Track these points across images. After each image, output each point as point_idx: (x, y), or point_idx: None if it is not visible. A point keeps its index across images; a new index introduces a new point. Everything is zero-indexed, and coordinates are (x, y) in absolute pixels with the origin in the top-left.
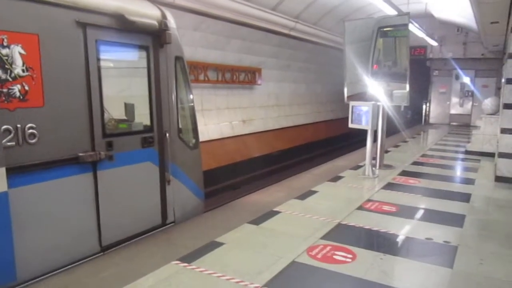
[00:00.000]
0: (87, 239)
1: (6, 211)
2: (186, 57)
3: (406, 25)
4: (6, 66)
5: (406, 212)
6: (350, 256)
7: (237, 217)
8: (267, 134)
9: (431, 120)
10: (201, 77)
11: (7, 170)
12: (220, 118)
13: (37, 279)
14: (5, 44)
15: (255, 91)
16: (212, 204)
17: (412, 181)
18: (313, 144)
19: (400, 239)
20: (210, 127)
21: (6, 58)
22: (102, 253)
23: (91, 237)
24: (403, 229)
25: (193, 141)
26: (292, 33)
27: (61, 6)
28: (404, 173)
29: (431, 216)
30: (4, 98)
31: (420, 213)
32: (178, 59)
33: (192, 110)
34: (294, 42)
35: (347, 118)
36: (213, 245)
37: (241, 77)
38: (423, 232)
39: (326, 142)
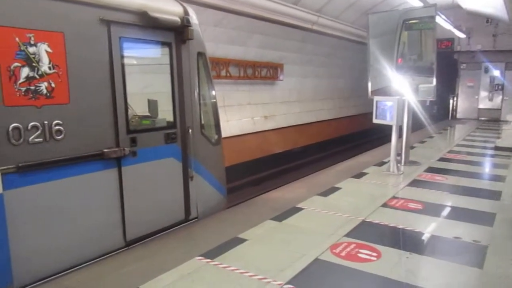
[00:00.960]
0: (113, 234)
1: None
2: (208, 53)
3: (432, 17)
4: (33, 64)
5: (433, 210)
6: (374, 254)
7: (260, 213)
8: (289, 130)
9: (458, 115)
10: (223, 73)
11: (34, 166)
12: (241, 114)
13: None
14: (32, 42)
15: (277, 86)
16: (233, 200)
17: (438, 178)
18: (336, 140)
19: (426, 237)
20: (231, 123)
21: (33, 56)
22: (126, 248)
23: (116, 232)
24: (429, 227)
25: (216, 137)
26: (314, 27)
27: (86, 4)
28: (430, 170)
29: (459, 214)
30: (31, 95)
31: (447, 211)
32: (200, 55)
33: (215, 106)
34: (316, 37)
35: (371, 113)
36: (236, 241)
37: (262, 72)
38: (451, 230)
39: (349, 138)
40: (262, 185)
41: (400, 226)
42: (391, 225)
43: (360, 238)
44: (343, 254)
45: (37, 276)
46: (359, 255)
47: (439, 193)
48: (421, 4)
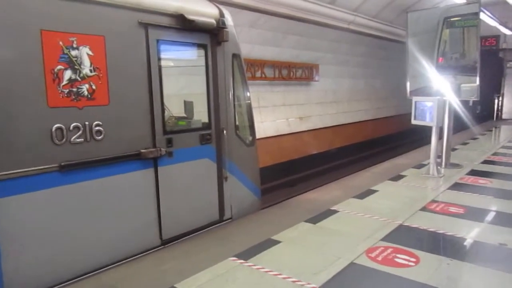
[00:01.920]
0: (149, 232)
1: None
2: (243, 55)
3: (476, 14)
4: (75, 67)
5: (476, 214)
6: (413, 259)
7: (294, 215)
8: (324, 131)
9: (504, 116)
10: (258, 74)
11: (76, 165)
12: (276, 115)
13: (108, 267)
14: (74, 46)
15: (312, 87)
16: (268, 201)
17: (482, 181)
18: (373, 141)
19: (469, 243)
20: (266, 124)
21: (75, 59)
22: (162, 246)
23: (153, 231)
24: (472, 233)
25: (250, 138)
26: (351, 27)
27: (125, 8)
28: (473, 173)
29: (505, 220)
30: (73, 96)
31: (491, 216)
32: (235, 56)
33: (249, 107)
34: (353, 36)
35: (409, 114)
36: (270, 243)
37: (297, 73)
38: (496, 236)
39: (387, 139)
40: (297, 187)
41: (440, 231)
42: (431, 229)
43: (398, 242)
44: (379, 258)
45: (80, 270)
46: (396, 259)
47: (482, 197)
48: (463, 1)
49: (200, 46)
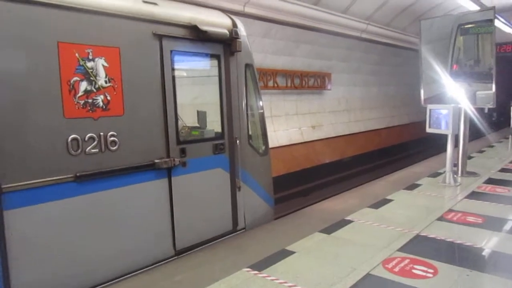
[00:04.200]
0: (163, 243)
1: None
2: (256, 64)
3: (491, 20)
4: (91, 78)
5: (495, 224)
6: (431, 270)
7: (308, 225)
8: (337, 140)
9: None
10: (270, 83)
11: (91, 175)
12: (289, 124)
13: (122, 278)
14: (90, 57)
15: (325, 95)
16: (281, 211)
17: (500, 190)
18: (386, 150)
19: (488, 254)
20: (279, 133)
21: (91, 70)
22: (176, 257)
23: (166, 241)
24: (491, 243)
25: (263, 147)
26: (363, 35)
27: (140, 20)
28: (491, 181)
29: None
30: (89, 107)
31: (511, 226)
32: (248, 66)
33: (262, 117)
34: (365, 44)
35: (423, 122)
36: (284, 253)
37: (310, 82)
38: None
39: (400, 148)
40: (310, 196)
41: (459, 241)
42: (449, 240)
43: (415, 253)
44: (396, 269)
45: (93, 281)
46: (414, 271)
47: (501, 206)
48: (477, 8)
49: (213, 56)
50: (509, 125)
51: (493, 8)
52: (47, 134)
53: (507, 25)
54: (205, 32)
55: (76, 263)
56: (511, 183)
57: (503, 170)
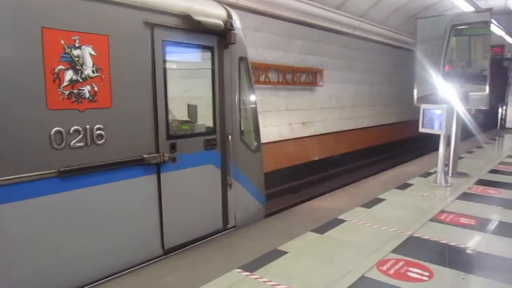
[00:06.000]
0: (151, 242)
1: None
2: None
3: (487, 22)
4: (77, 67)
5: (487, 226)
6: (426, 273)
7: (300, 224)
8: (327, 137)
9: (508, 125)
10: (262, 78)
11: (75, 171)
12: (280, 120)
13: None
14: (76, 45)
15: (316, 92)
16: (271, 207)
17: (491, 191)
18: (377, 147)
19: (483, 256)
20: (269, 129)
21: (77, 59)
22: (164, 256)
23: (155, 240)
24: (485, 246)
25: (255, 143)
26: (357, 32)
27: (131, 7)
28: (481, 182)
29: None
30: (74, 98)
31: (504, 228)
32: (242, 59)
33: (255, 112)
34: (358, 42)
35: (414, 121)
36: (276, 254)
37: (302, 78)
38: (509, 249)
39: (391, 146)
40: (300, 193)
41: (453, 243)
42: (442, 241)
43: (409, 255)
44: (391, 272)
45: (78, 282)
46: (409, 273)
47: (492, 207)
48: (471, 9)
49: (206, 48)
50: (496, 126)
51: (489, 9)
52: (28, 126)
53: (498, 27)
54: (199, 22)
55: (59, 263)
56: (502, 185)
57: (492, 171)
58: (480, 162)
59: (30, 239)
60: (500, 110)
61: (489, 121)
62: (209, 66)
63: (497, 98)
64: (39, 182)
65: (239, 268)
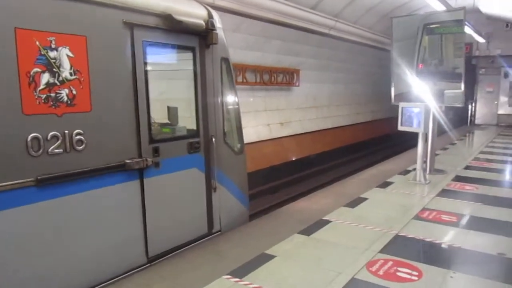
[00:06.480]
0: (134, 250)
1: None
2: None
3: (460, 21)
4: (54, 70)
5: (469, 222)
6: (415, 273)
7: (285, 226)
8: (305, 137)
9: (477, 121)
10: (239, 79)
11: (54, 179)
12: (257, 121)
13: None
14: (53, 46)
15: (293, 92)
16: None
17: (468, 187)
18: (353, 146)
19: (468, 254)
20: (248, 130)
21: (54, 61)
22: (149, 265)
23: (138, 248)
24: (470, 243)
25: (238, 145)
26: (332, 32)
27: (109, 6)
28: (458, 179)
29: (499, 228)
30: (51, 102)
31: (484, 224)
32: (224, 60)
33: (238, 114)
34: (334, 42)
35: (389, 119)
36: (264, 258)
37: (279, 78)
38: (492, 245)
39: (366, 144)
40: (279, 193)
41: (438, 241)
42: (428, 239)
43: (397, 254)
44: (380, 272)
45: None
46: (399, 274)
47: (471, 204)
48: (443, 8)
49: (188, 48)
50: (466, 123)
51: (463, 8)
52: (2, 132)
53: (468, 26)
54: (180, 22)
55: (37, 277)
56: (478, 181)
57: (468, 167)
58: (455, 158)
59: (5, 251)
60: (470, 107)
61: (459, 118)
62: (191, 67)
63: (467, 95)
64: (15, 191)
65: (227, 274)
